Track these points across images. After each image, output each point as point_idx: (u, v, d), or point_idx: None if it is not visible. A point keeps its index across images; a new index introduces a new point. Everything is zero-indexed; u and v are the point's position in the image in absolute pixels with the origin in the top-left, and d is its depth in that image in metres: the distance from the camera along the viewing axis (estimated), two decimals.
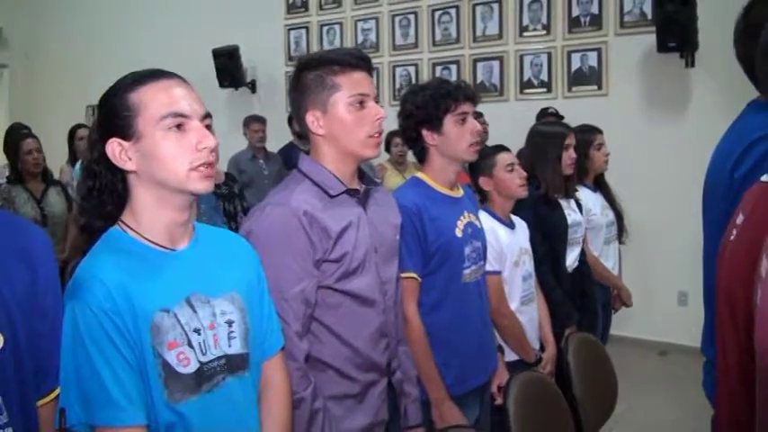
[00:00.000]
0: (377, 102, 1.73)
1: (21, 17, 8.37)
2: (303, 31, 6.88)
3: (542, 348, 2.71)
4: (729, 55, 1.71)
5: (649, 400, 4.06)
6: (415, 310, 2.09)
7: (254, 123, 5.85)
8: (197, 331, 1.25)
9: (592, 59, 5.46)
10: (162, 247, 1.29)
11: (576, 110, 4.99)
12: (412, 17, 6.32)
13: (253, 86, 7.05)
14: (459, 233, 2.19)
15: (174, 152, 1.24)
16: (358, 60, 1.70)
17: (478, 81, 5.97)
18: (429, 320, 2.12)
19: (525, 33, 5.75)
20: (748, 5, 1.72)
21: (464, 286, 2.20)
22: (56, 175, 5.08)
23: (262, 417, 1.40)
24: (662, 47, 4.87)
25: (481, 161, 2.61)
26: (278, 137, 6.07)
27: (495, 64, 5.91)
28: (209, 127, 1.28)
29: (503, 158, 2.57)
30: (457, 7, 6.06)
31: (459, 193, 2.29)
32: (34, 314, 1.11)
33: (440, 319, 2.16)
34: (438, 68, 6.22)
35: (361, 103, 1.68)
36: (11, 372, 1.05)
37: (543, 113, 5.06)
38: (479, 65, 6.00)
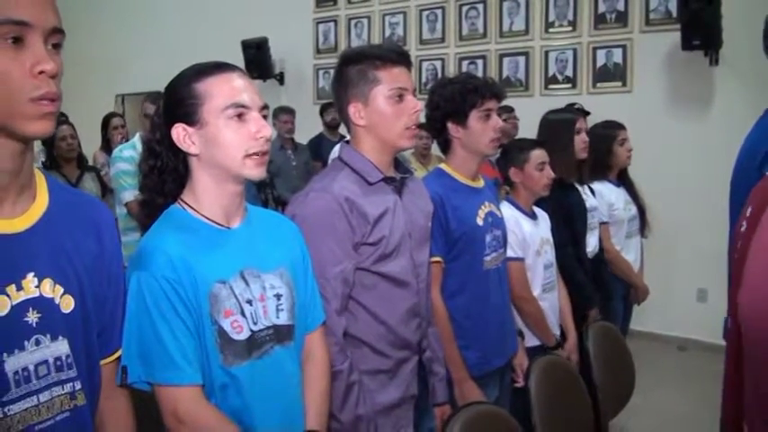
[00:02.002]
0: (415, 95, 1.84)
1: None
2: (332, 24, 6.99)
3: (563, 336, 2.80)
4: (753, 53, 1.77)
5: (666, 394, 4.12)
6: (438, 293, 2.19)
7: (282, 115, 5.96)
8: (249, 302, 1.38)
9: (617, 56, 5.51)
10: (218, 224, 1.42)
11: (601, 106, 5.03)
12: (439, 12, 6.40)
13: (281, 78, 7.17)
14: (480, 222, 2.29)
15: (234, 139, 1.36)
16: (398, 56, 1.81)
17: (504, 76, 6.04)
18: (451, 304, 2.23)
19: (551, 29, 5.82)
20: None
21: (485, 272, 2.30)
22: (89, 162, 5.23)
23: (303, 385, 1.52)
24: (686, 45, 4.91)
25: (516, 152, 2.70)
26: (305, 128, 6.18)
27: (521, 59, 5.98)
28: (265, 117, 1.40)
29: (536, 155, 2.65)
30: (484, 2, 6.13)
31: (480, 183, 2.38)
32: (101, 281, 1.23)
33: (462, 304, 2.26)
34: (464, 63, 6.30)
35: (400, 96, 1.78)
36: (79, 331, 1.17)
37: (568, 109, 5.13)
38: (505, 60, 6.07)
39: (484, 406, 1.90)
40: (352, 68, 1.81)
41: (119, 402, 1.30)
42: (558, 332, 2.78)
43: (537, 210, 2.77)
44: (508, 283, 2.49)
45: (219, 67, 1.41)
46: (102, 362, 1.25)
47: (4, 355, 1.04)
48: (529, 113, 5.29)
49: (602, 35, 5.57)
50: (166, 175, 1.43)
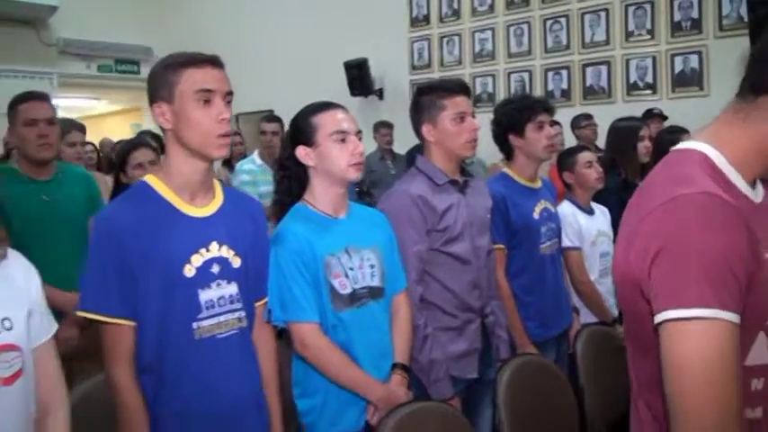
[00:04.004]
0: (473, 116, 2.38)
1: (168, 38, 9.42)
2: (425, 42, 7.55)
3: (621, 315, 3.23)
4: None
5: None
6: (503, 275, 2.72)
7: (382, 128, 6.58)
8: (351, 269, 1.97)
9: (693, 62, 5.81)
10: (329, 215, 2.02)
11: (680, 110, 5.37)
12: (525, 27, 6.85)
13: (380, 94, 7.76)
14: (536, 216, 2.79)
15: (340, 155, 1.97)
16: (460, 87, 2.38)
17: (588, 85, 6.44)
18: (514, 283, 2.74)
19: (631, 38, 6.17)
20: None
21: (541, 257, 2.80)
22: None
23: (392, 333, 2.10)
24: None
25: (566, 159, 3.20)
26: (403, 140, 6.75)
27: (603, 68, 6.35)
28: (360, 138, 2.01)
29: (583, 156, 3.14)
30: (567, 16, 6.55)
31: (538, 184, 2.89)
32: (255, 251, 1.86)
33: (522, 283, 2.76)
34: (550, 74, 6.72)
35: (462, 118, 2.34)
36: (243, 280, 1.80)
37: (649, 114, 5.47)
38: (588, 69, 6.45)
39: (533, 357, 2.40)
40: (425, 98, 2.38)
41: (266, 332, 1.93)
42: (616, 313, 3.21)
43: (596, 206, 3.24)
44: (562, 267, 2.97)
45: (328, 106, 2.03)
46: (256, 303, 1.88)
47: (199, 290, 1.69)
48: (612, 119, 5.67)
49: (678, 42, 5.88)
50: (293, 182, 2.06)
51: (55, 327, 1.49)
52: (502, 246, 2.71)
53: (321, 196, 2.03)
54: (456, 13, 7.32)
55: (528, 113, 2.74)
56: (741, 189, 1.21)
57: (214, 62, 1.72)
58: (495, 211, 2.61)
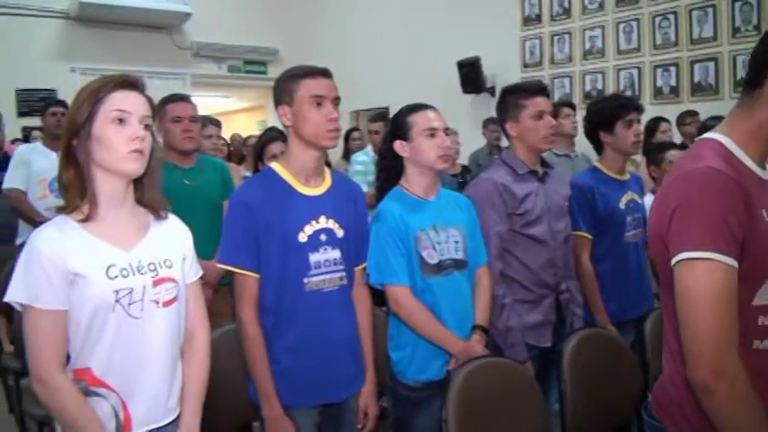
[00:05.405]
0: (551, 115, 2.68)
1: (294, 40, 10.11)
2: (537, 41, 7.72)
3: None
4: None
5: None
6: (587, 259, 2.98)
7: (491, 125, 6.80)
8: (438, 243, 2.34)
9: None
10: (421, 197, 2.40)
11: None
12: (634, 24, 6.91)
13: (492, 92, 7.90)
14: (622, 206, 3.02)
15: (430, 148, 2.35)
16: (539, 89, 2.70)
17: (695, 81, 6.45)
18: (598, 267, 2.99)
19: (738, 34, 6.13)
20: None
21: (625, 244, 3.02)
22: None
23: (474, 298, 2.45)
24: None
25: (654, 154, 3.42)
26: None
27: (711, 65, 6.35)
28: (446, 134, 2.37)
29: (670, 155, 3.37)
30: (675, 13, 6.56)
31: (626, 176, 3.12)
32: (355, 224, 2.25)
33: (606, 267, 3.00)
34: (659, 70, 6.76)
35: (540, 116, 2.65)
36: (345, 247, 2.20)
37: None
38: (696, 66, 6.47)
39: (600, 330, 2.67)
40: (509, 98, 2.71)
41: (364, 291, 2.33)
42: None
43: None
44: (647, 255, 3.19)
45: (421, 107, 2.41)
46: (356, 268, 2.28)
47: (309, 253, 2.11)
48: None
49: None
50: (390, 172, 2.45)
51: (201, 272, 1.92)
52: (585, 233, 2.97)
53: (414, 181, 2.41)
54: (567, 12, 7.46)
55: (618, 112, 2.98)
56: (748, 165, 1.52)
57: (325, 73, 2.14)
58: (582, 200, 2.89)
